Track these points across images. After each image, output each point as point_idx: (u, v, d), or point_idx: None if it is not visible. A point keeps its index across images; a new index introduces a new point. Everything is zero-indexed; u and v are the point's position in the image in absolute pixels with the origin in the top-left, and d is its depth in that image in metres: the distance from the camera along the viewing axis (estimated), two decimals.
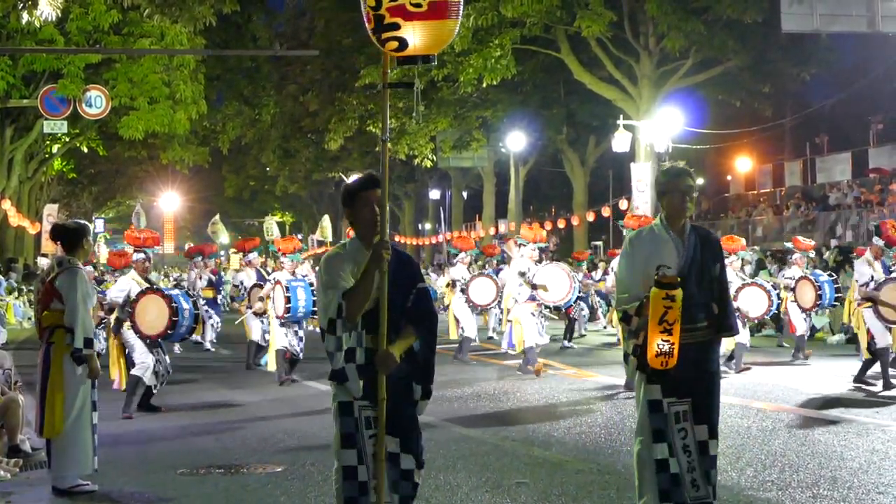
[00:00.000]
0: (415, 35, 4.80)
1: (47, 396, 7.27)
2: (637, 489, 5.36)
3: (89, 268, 14.24)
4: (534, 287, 13.68)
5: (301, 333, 13.31)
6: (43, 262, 31.75)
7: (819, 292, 14.84)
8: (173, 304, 10.69)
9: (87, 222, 8.13)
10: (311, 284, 13.04)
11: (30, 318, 26.56)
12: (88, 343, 7.29)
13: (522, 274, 13.57)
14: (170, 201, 51.69)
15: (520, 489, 7.17)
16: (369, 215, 4.83)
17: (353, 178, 5.09)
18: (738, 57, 28.24)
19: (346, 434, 4.78)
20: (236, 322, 17.00)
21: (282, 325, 13.14)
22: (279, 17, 44.53)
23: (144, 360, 10.79)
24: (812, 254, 16.79)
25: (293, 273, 13.50)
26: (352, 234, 5.08)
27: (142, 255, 11.25)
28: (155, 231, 12.92)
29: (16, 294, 27.55)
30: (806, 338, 15.62)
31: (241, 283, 16.75)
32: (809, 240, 17.44)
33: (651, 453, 5.24)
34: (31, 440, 8.64)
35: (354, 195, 4.88)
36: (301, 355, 13.39)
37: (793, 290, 15.28)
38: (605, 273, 22.43)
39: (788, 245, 16.82)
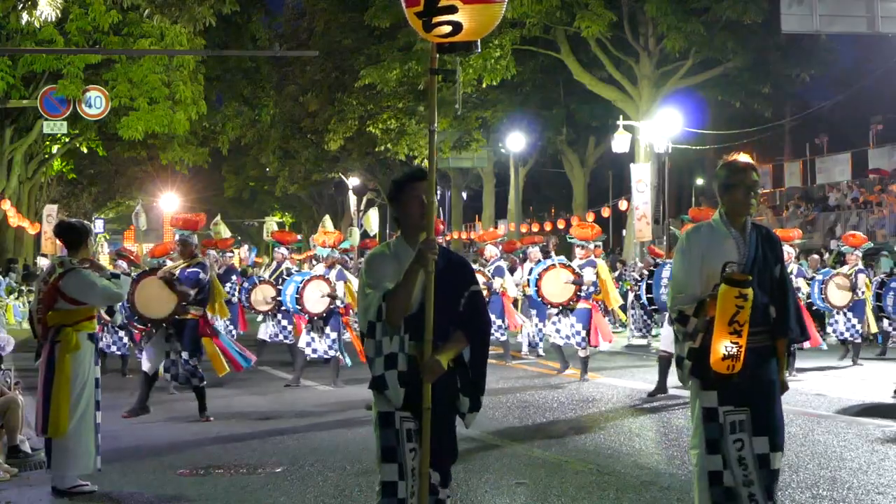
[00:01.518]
0: (468, 18, 4.44)
1: (52, 396, 7.27)
2: (696, 502, 5.06)
3: (120, 262, 14.41)
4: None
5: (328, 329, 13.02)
6: (42, 263, 31.78)
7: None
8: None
9: (87, 222, 8.13)
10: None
11: (29, 319, 26.58)
12: (116, 281, 7.47)
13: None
14: (169, 202, 51.61)
15: (519, 489, 7.17)
16: (416, 211, 4.51)
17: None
18: (738, 58, 28.26)
19: (387, 447, 4.46)
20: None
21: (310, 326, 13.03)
22: (279, 17, 44.52)
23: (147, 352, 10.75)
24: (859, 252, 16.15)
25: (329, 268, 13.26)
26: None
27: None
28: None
29: (15, 295, 27.55)
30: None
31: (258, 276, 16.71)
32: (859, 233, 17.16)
33: (705, 464, 4.93)
34: (31, 440, 8.63)
35: (401, 188, 4.56)
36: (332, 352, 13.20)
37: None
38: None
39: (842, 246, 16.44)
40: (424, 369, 4.35)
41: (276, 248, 16.14)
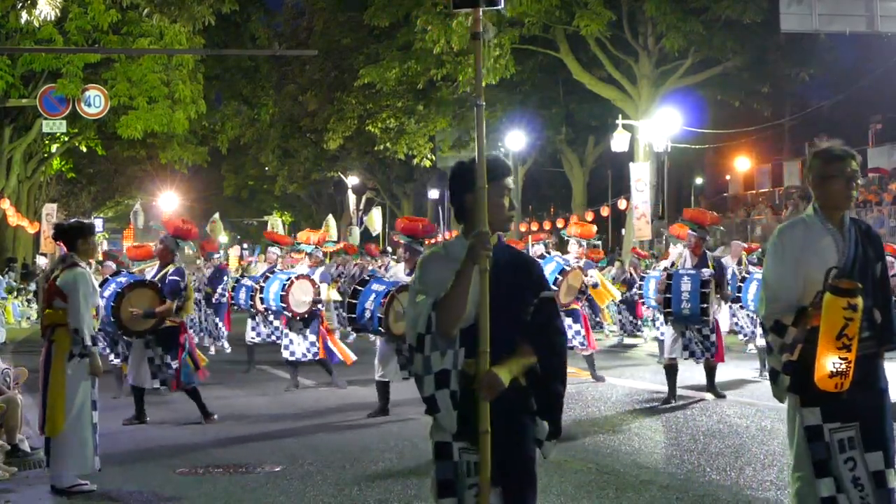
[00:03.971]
0: None
1: (48, 395, 7.29)
2: None
3: (108, 262, 14.08)
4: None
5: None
6: (41, 262, 31.78)
7: None
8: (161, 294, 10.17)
9: (90, 221, 8.11)
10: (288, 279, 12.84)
11: (28, 318, 26.57)
12: (93, 341, 7.33)
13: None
14: (169, 201, 51.58)
15: None
16: (502, 206, 3.93)
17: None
18: (737, 57, 28.27)
19: (443, 481, 3.88)
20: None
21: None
22: (278, 16, 44.57)
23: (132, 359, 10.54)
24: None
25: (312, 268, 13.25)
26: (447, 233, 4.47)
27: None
28: (156, 230, 12.78)
29: (14, 293, 27.55)
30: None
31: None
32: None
33: (815, 491, 4.33)
34: (30, 439, 8.64)
35: (472, 181, 3.87)
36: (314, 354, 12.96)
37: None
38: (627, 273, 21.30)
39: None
40: (480, 385, 3.73)
41: (269, 248, 16.05)
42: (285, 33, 43.90)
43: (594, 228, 14.21)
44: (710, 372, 11.45)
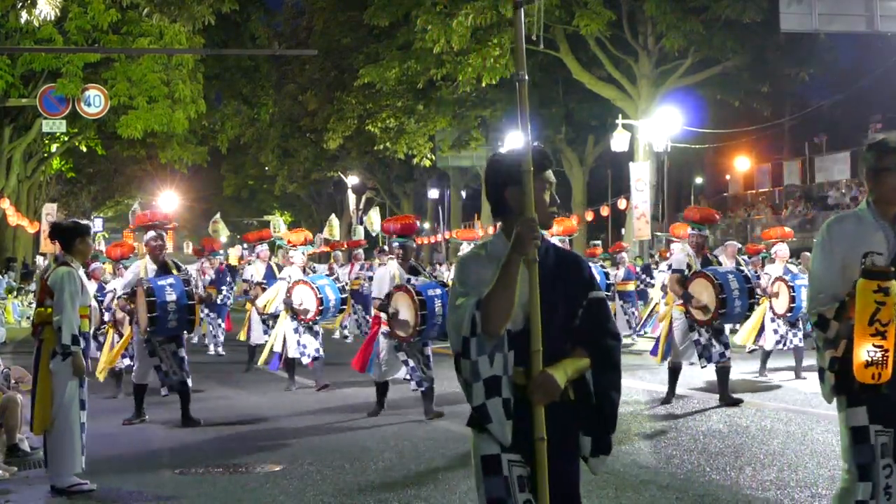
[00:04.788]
0: None
1: (36, 393, 7.30)
2: None
3: (98, 263, 13.76)
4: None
5: (317, 328, 12.62)
6: (41, 262, 31.80)
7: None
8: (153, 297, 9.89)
9: (87, 222, 8.10)
10: (337, 280, 12.73)
11: (28, 318, 26.61)
12: (75, 340, 7.26)
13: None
14: (168, 201, 51.62)
15: None
16: (544, 201, 3.62)
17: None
18: (737, 56, 28.27)
19: (494, 499, 3.49)
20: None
21: (297, 328, 12.41)
22: (278, 16, 44.63)
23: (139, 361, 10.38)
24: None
25: (303, 268, 12.89)
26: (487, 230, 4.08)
27: (152, 234, 10.28)
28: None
29: (14, 293, 27.56)
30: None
31: (251, 276, 15.01)
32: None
33: (854, 491, 4.17)
34: (30, 439, 8.64)
35: (513, 173, 3.55)
36: (319, 354, 12.64)
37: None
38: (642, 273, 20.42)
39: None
40: (534, 387, 3.39)
41: (258, 247, 15.69)
42: (285, 33, 43.95)
43: (574, 222, 14.02)
44: (725, 374, 11.03)
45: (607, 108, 30.93)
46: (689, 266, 11.02)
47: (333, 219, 26.49)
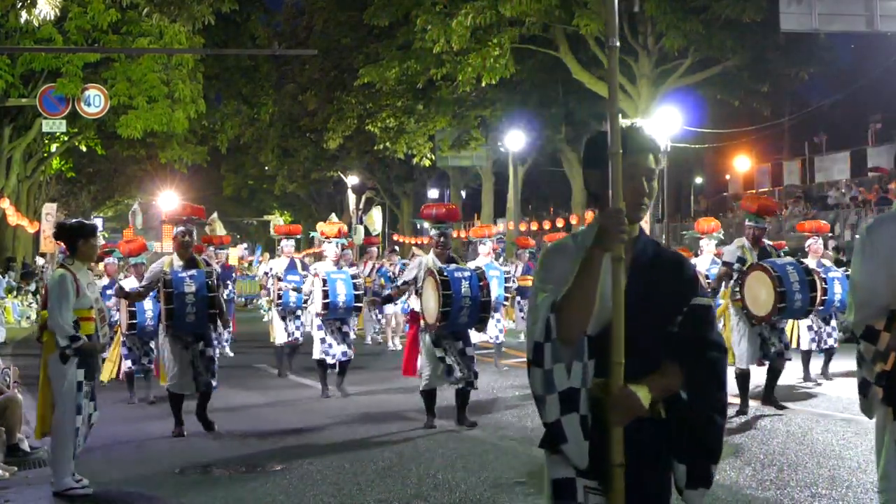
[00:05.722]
0: None
1: (38, 396, 7.29)
2: None
3: (111, 259, 13.44)
4: None
5: (346, 329, 11.93)
6: (40, 262, 31.78)
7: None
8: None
9: (93, 222, 7.99)
10: (354, 277, 11.92)
11: (28, 318, 26.59)
12: (73, 339, 7.15)
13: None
14: (168, 200, 51.60)
15: (518, 489, 7.17)
16: (631, 190, 3.07)
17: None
18: (737, 56, 28.26)
19: None
20: (264, 320, 16.81)
21: (321, 327, 11.80)
22: (278, 16, 44.67)
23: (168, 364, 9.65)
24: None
25: (337, 262, 12.15)
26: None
27: (181, 228, 9.64)
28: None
29: (14, 293, 27.55)
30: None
31: (271, 269, 14.24)
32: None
33: None
34: (30, 439, 8.64)
35: (601, 150, 3.09)
36: (345, 358, 11.97)
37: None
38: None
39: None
40: (612, 405, 2.95)
41: (283, 242, 14.61)
42: (285, 33, 43.93)
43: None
44: (775, 375, 10.43)
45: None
46: (742, 260, 10.22)
47: (333, 218, 26.42)
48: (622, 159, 3.02)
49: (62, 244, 7.71)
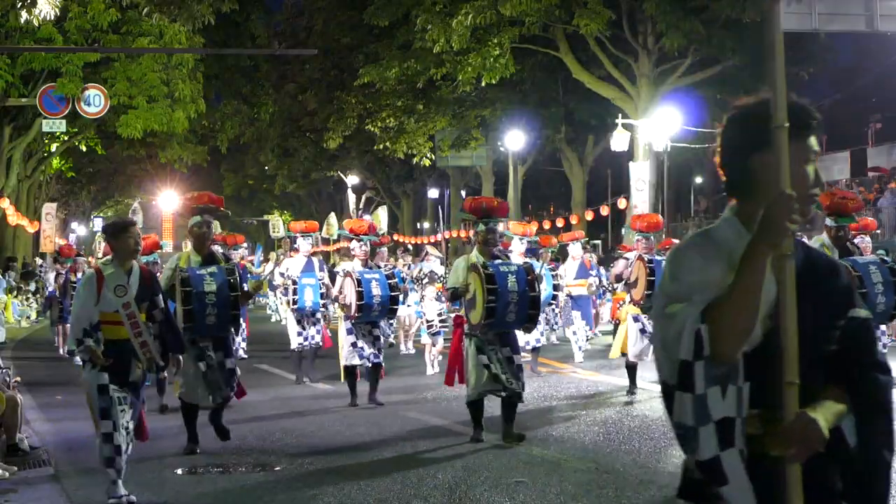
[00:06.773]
0: None
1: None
2: None
3: (80, 258, 13.40)
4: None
5: (377, 332, 11.26)
6: (40, 262, 31.76)
7: None
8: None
9: (126, 219, 7.93)
10: (389, 276, 11.18)
11: (28, 317, 26.57)
12: (78, 343, 6.98)
13: None
14: (168, 200, 51.61)
15: (518, 488, 7.17)
16: (800, 177, 2.51)
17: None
18: (737, 56, 28.24)
19: None
20: (282, 322, 16.70)
21: (351, 329, 11.11)
22: (278, 16, 44.66)
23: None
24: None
25: (365, 261, 11.36)
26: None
27: (197, 219, 8.68)
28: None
29: (14, 293, 27.54)
30: None
31: (286, 270, 13.22)
32: None
33: None
34: (30, 439, 8.65)
35: (765, 133, 2.45)
36: (377, 360, 11.22)
37: None
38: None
39: None
40: (789, 435, 2.38)
41: (299, 240, 13.85)
42: (285, 32, 43.95)
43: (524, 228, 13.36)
44: None
45: (607, 107, 30.93)
46: None
47: (332, 218, 26.31)
48: (795, 141, 2.48)
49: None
